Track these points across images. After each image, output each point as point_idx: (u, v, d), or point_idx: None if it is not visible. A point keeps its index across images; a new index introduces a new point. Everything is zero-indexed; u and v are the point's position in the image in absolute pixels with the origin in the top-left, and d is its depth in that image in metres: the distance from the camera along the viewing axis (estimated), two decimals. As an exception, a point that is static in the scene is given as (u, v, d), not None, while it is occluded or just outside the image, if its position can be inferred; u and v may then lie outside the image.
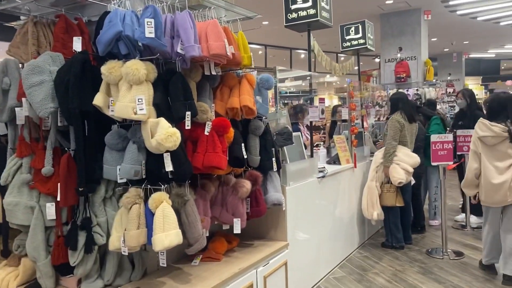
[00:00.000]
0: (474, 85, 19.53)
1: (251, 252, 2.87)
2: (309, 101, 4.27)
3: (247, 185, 2.65)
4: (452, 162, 4.26)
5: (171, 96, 2.21)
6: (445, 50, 14.75)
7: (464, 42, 13.77)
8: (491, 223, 3.61)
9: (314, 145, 4.52)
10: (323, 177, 3.68)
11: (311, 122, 3.90)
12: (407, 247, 4.42)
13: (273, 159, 2.93)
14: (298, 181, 3.34)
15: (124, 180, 2.25)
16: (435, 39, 12.11)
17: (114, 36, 2.05)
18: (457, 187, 5.94)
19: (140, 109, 2.08)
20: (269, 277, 2.82)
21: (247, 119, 2.82)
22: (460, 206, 5.68)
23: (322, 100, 3.82)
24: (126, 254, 2.24)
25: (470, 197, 4.01)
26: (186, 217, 2.27)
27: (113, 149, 2.18)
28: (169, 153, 2.14)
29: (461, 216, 5.38)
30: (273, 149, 2.95)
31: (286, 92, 20.63)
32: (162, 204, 2.16)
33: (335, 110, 5.95)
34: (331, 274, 3.83)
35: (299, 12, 3.85)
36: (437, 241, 4.65)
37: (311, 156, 3.72)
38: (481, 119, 3.51)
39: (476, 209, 5.04)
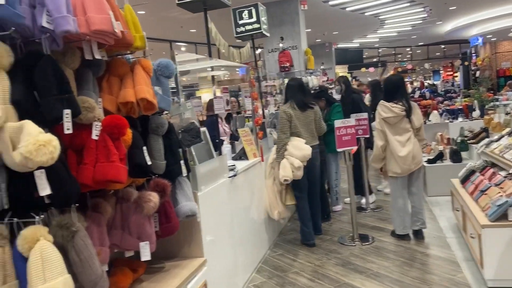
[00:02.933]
0: (342, 73, 21.19)
1: (163, 279, 2.33)
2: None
3: (154, 198, 2.10)
4: (356, 147, 4.25)
5: (38, 89, 1.56)
6: (317, 40, 15.57)
7: (334, 33, 14.70)
8: (401, 193, 3.97)
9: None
10: (235, 175, 3.28)
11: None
12: (318, 238, 4.30)
13: (181, 162, 2.42)
14: (210, 184, 2.88)
15: (-26, 216, 1.55)
16: (309, 30, 12.63)
17: None
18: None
19: (-10, 110, 1.41)
20: (189, 305, 2.33)
21: (145, 116, 2.26)
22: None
23: (225, 90, 3.41)
24: (-13, 322, 1.54)
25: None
26: (76, 254, 1.65)
27: (-50, 172, 1.46)
28: (43, 170, 1.50)
29: (362, 200, 5.50)
30: (180, 150, 2.45)
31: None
32: (38, 243, 1.51)
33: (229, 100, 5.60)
34: (250, 281, 3.47)
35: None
36: (345, 227, 4.64)
37: (219, 153, 3.28)
38: (382, 102, 3.90)
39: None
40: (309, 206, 4.21)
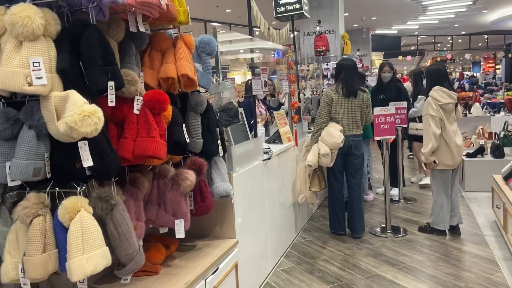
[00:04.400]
0: (378, 60, 20.60)
1: (195, 258, 2.33)
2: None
3: (191, 176, 2.08)
4: (394, 136, 4.10)
5: (84, 59, 1.54)
6: (354, 25, 15.14)
7: (373, 18, 14.21)
8: (447, 187, 3.82)
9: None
10: (269, 159, 3.23)
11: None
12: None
13: (218, 141, 2.39)
14: (244, 166, 2.84)
15: (19, 183, 1.57)
16: (347, 14, 12.26)
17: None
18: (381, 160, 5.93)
19: (38, 78, 1.41)
20: (219, 285, 2.32)
21: (185, 93, 2.23)
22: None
23: (264, 71, 3.33)
24: (28, 287, 1.58)
25: (424, 164, 3.90)
26: (114, 227, 1.65)
27: (-3, 138, 1.47)
28: (86, 142, 1.49)
29: (392, 191, 5.35)
30: (217, 129, 2.41)
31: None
32: (79, 213, 1.52)
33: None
34: (278, 266, 3.45)
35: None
36: (377, 218, 4.53)
37: (255, 135, 3.23)
38: (438, 87, 3.72)
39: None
40: (349, 201, 4.04)
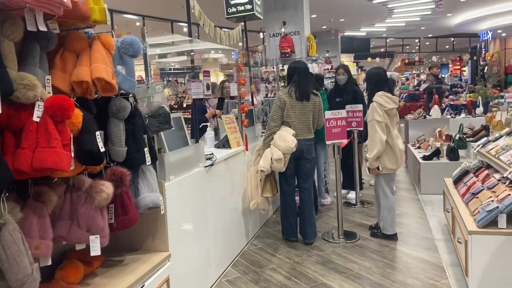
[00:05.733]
0: (348, 62, 20.81)
1: (119, 274, 2.16)
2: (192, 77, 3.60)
3: (107, 188, 1.92)
4: (346, 140, 4.05)
5: (-39, 61, 1.36)
6: (323, 27, 15.19)
7: (341, 20, 14.31)
8: (392, 190, 3.87)
9: (200, 126, 3.90)
10: (211, 165, 3.09)
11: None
12: (302, 232, 4.13)
13: (146, 149, 2.24)
14: (181, 174, 2.70)
15: None
16: (315, 15, 12.28)
17: None
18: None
19: None
20: (146, 303, 2.17)
21: (106, 97, 2.07)
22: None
23: (207, 74, 3.19)
24: None
25: (368, 169, 3.87)
26: (3, 249, 1.48)
27: None
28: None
29: (350, 194, 5.31)
30: (145, 136, 2.26)
31: (170, 69, 19.58)
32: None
33: (222, 85, 5.39)
34: (224, 276, 3.32)
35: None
36: (332, 222, 4.47)
37: (197, 141, 3.09)
38: (383, 92, 3.73)
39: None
40: (300, 206, 3.96)
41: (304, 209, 3.92)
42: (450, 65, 25.42)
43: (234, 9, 4.15)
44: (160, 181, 2.43)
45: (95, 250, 1.92)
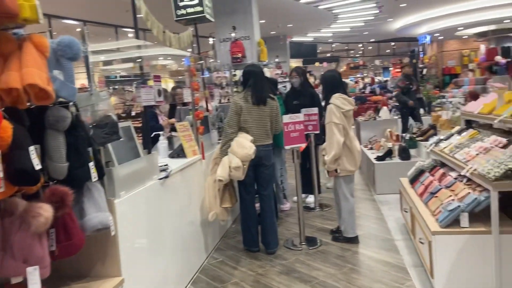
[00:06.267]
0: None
1: (65, 307, 1.90)
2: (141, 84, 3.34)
3: (45, 212, 1.67)
4: (305, 144, 3.97)
5: None
6: (271, 33, 15.31)
7: (288, 25, 14.47)
8: (352, 192, 3.84)
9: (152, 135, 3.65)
10: (166, 177, 2.87)
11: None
12: (263, 241, 3.98)
13: (91, 164, 1.99)
14: (133, 189, 2.46)
15: None
16: (263, 21, 12.30)
17: None
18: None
19: None
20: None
21: (42, 106, 1.82)
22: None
23: (157, 79, 2.97)
24: None
25: (326, 172, 3.81)
26: None
27: None
28: None
29: (308, 199, 5.26)
30: (90, 149, 2.01)
31: (116, 76, 18.93)
32: None
33: (174, 92, 5.17)
34: (184, 295, 3.10)
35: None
36: (292, 228, 4.37)
37: (149, 152, 2.86)
38: (339, 95, 3.68)
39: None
40: (261, 214, 3.82)
41: (265, 217, 3.79)
42: (391, 69, 26.65)
43: (183, 11, 3.94)
44: (110, 199, 2.19)
45: (34, 283, 1.66)
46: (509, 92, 3.44)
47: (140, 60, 6.55)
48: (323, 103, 4.14)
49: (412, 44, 22.34)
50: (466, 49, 17.90)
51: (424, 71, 18.16)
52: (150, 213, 2.70)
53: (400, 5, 12.40)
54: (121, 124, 2.38)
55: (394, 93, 8.42)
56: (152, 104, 2.96)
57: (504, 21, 14.91)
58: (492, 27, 16.09)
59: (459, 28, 16.10)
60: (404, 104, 7.74)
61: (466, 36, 18.34)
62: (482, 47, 16.21)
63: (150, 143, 2.94)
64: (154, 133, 3.67)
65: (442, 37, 18.54)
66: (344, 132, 3.63)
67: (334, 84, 3.83)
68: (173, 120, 4.41)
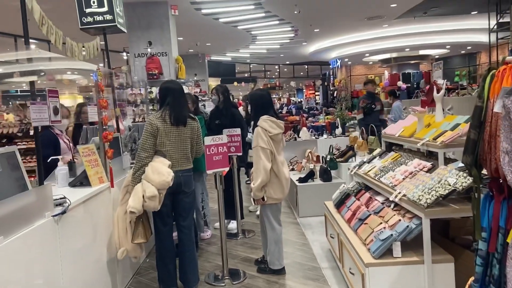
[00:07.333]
0: (216, 85, 20.97)
1: None
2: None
3: None
4: (228, 167, 3.68)
5: None
6: (190, 51, 15.05)
7: (207, 44, 14.31)
8: (279, 221, 3.62)
9: (48, 160, 3.08)
10: (63, 213, 2.36)
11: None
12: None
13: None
14: (16, 231, 1.94)
15: None
16: (182, 38, 11.96)
17: None
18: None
19: None
20: None
21: None
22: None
23: (54, 94, 2.46)
24: None
25: (252, 199, 3.55)
26: None
27: None
28: None
29: (230, 225, 4.96)
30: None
31: (17, 91, 17.17)
32: None
33: (80, 109, 4.58)
34: None
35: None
36: (214, 260, 4.02)
37: (40, 182, 2.34)
38: (267, 117, 3.46)
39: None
40: (179, 247, 3.42)
41: (184, 251, 3.39)
42: (304, 90, 27.87)
43: (90, 19, 3.45)
44: (-20, 249, 1.67)
45: None
46: (428, 115, 3.53)
47: (42, 74, 5.80)
48: (252, 123, 3.85)
49: (323, 68, 23.58)
50: (371, 74, 19.26)
51: (335, 93, 19.23)
52: (41, 259, 2.18)
53: (314, 30, 12.93)
54: (2, 150, 1.88)
55: (357, 117, 8.20)
56: (46, 125, 2.46)
57: (405, 49, 16.36)
58: (394, 54, 17.59)
59: (366, 55, 17.32)
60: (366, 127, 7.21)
61: (371, 62, 19.84)
62: (386, 73, 17.65)
63: (42, 171, 2.42)
64: (51, 158, 3.11)
65: (350, 62, 19.81)
66: (271, 157, 3.40)
67: (263, 104, 3.57)
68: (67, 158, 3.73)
